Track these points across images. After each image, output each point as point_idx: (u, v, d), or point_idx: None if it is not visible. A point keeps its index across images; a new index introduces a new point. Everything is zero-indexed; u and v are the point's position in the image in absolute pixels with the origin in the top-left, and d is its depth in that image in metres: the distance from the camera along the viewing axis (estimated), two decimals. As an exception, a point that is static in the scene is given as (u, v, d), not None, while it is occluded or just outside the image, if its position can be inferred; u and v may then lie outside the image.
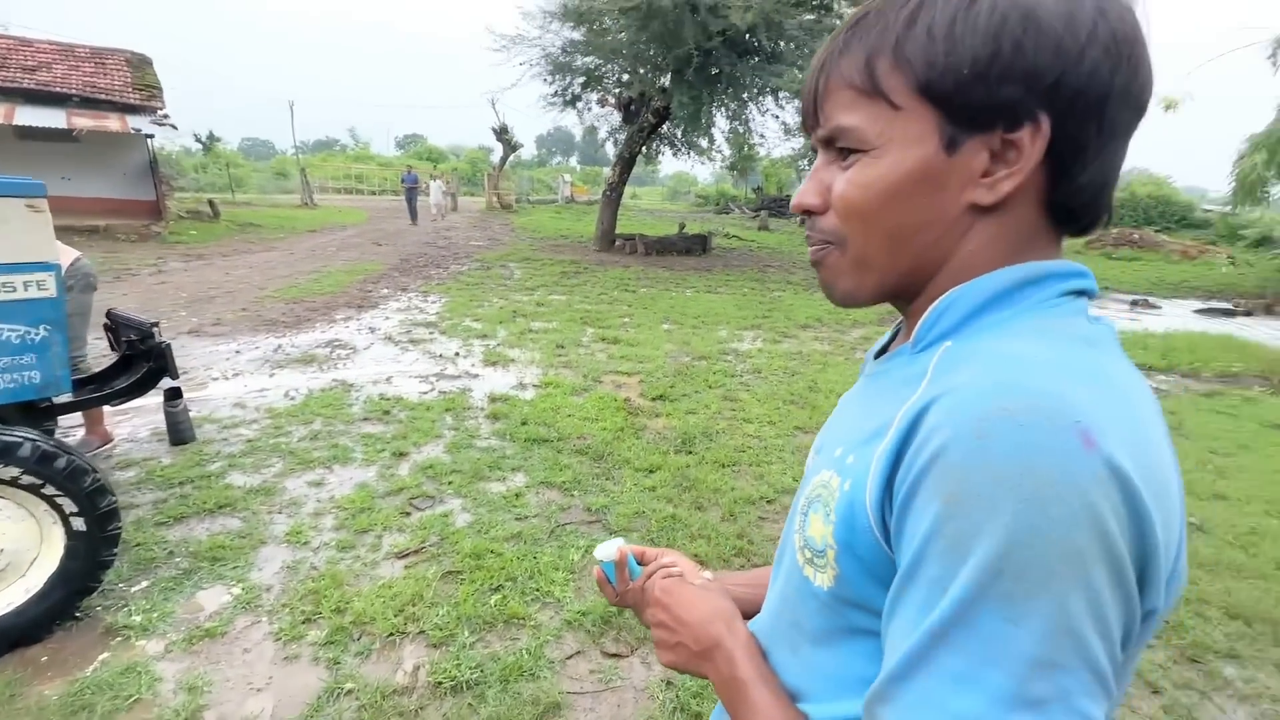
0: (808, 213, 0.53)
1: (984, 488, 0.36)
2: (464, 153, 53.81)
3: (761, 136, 15.15)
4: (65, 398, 2.41)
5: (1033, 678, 0.35)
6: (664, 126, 14.43)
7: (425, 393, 4.64)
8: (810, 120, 0.52)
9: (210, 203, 16.66)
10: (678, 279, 10.81)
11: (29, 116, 10.86)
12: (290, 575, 2.43)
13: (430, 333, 6.41)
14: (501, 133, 24.90)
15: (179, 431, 3.40)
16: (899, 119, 0.46)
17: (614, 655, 2.10)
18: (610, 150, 17.05)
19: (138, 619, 2.13)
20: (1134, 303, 10.99)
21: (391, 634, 2.12)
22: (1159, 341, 7.36)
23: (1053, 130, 0.43)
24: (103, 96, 12.37)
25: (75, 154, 12.68)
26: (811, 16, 11.91)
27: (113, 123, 11.69)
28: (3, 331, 2.08)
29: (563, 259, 12.54)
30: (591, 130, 17.69)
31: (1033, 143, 0.43)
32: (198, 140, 29.34)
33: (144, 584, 2.33)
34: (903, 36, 0.45)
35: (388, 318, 7.02)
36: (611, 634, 2.19)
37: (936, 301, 0.49)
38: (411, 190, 19.40)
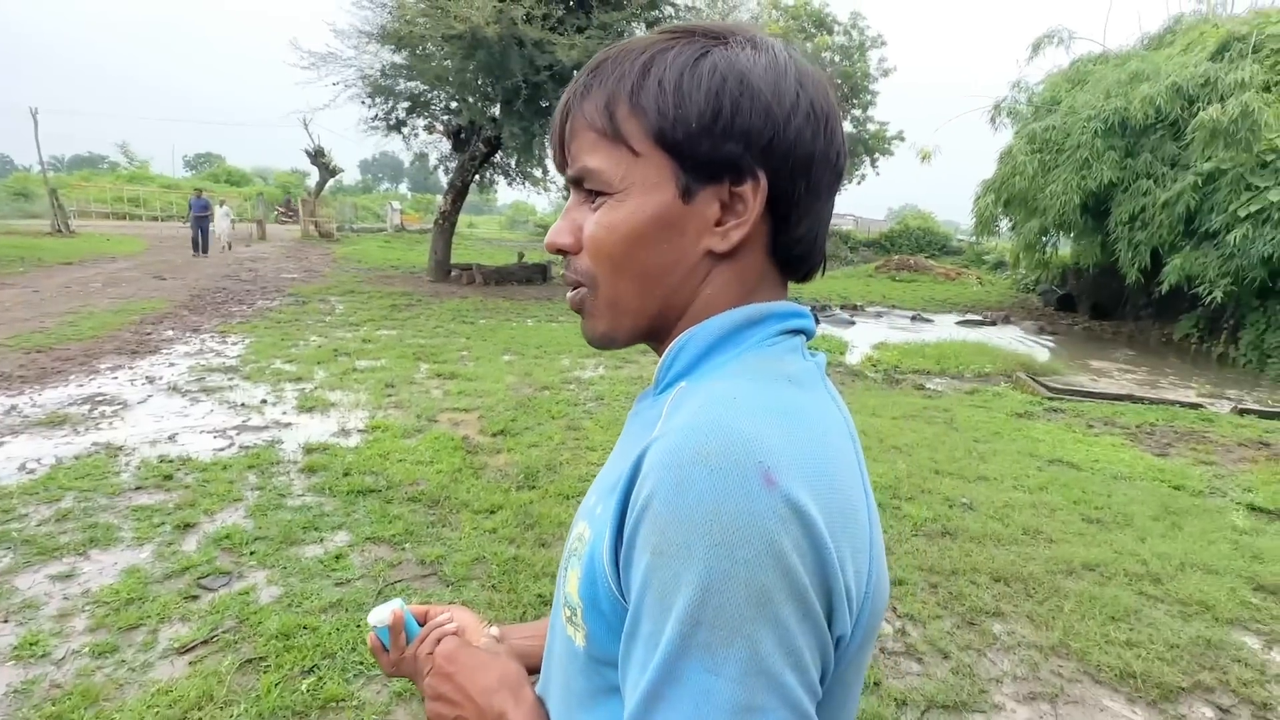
0: (562, 252, 0.52)
1: (681, 535, 0.37)
2: (273, 176, 48.64)
3: (594, 169, 15.62)
4: None
5: None
6: (497, 156, 14.29)
7: (222, 449, 4.00)
8: (559, 159, 0.52)
9: (-89, 229, 13.09)
10: (518, 309, 10.65)
11: None
12: (20, 702, 1.91)
13: (229, 379, 5.59)
14: (317, 155, 22.93)
15: None
16: (638, 164, 0.47)
17: (452, 722, 1.92)
18: (442, 177, 16.47)
19: None
20: (914, 318, 13.07)
21: (167, 752, 1.74)
22: (933, 350, 8.72)
23: (770, 186, 0.46)
24: None
25: None
26: (634, 59, 12.61)
27: None
28: None
29: (393, 290, 11.74)
30: (421, 157, 16.96)
31: (754, 196, 0.46)
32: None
33: None
34: (638, 85, 0.46)
35: (172, 364, 5.99)
36: (449, 698, 2.01)
37: (673, 343, 0.50)
38: (201, 218, 16.79)
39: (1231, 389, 7.98)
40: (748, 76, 0.45)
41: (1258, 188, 9.06)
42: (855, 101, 25.18)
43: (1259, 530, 3.56)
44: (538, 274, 14.88)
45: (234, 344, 6.96)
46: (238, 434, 4.29)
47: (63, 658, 2.10)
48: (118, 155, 51.59)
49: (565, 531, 3.11)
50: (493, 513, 3.31)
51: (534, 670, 0.60)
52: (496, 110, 12.71)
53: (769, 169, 0.46)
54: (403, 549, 2.92)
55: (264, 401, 5.01)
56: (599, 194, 0.49)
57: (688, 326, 0.50)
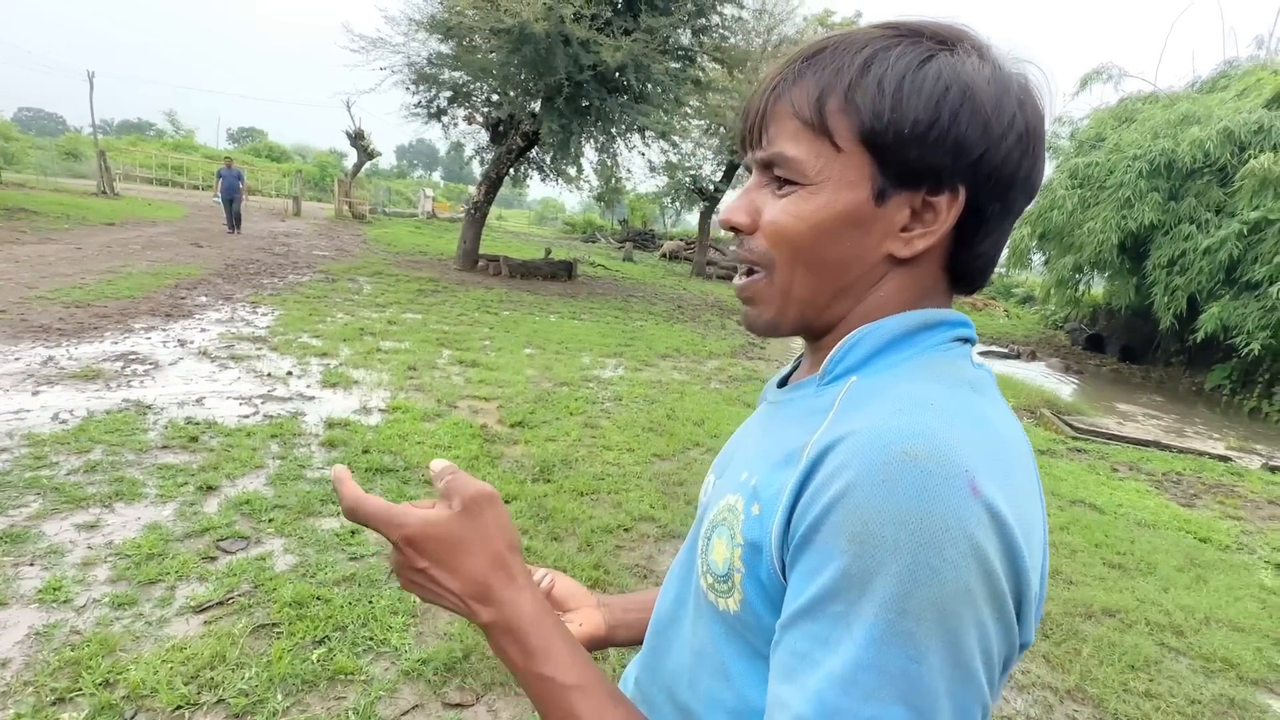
0: (735, 230, 0.53)
1: (888, 529, 0.38)
2: (312, 155, 49.51)
3: (628, 172, 15.71)
4: None
5: (935, 713, 0.37)
6: (533, 151, 14.40)
7: (247, 416, 4.07)
8: (752, 139, 0.52)
9: (-35, 179, 13.54)
10: (542, 303, 10.70)
11: None
12: (40, 644, 1.95)
13: (258, 349, 5.68)
14: (357, 138, 23.28)
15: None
16: (838, 160, 0.47)
17: (457, 705, 1.93)
18: (476, 168, 16.64)
19: None
20: (937, 345, 12.93)
21: (179, 707, 1.77)
22: (956, 379, 8.59)
23: (966, 201, 0.47)
24: None
25: None
26: (677, 65, 12.65)
27: None
28: None
29: (420, 276, 11.87)
30: (457, 146, 17.16)
31: (949, 209, 0.47)
32: (-47, 103, 23.90)
33: None
34: (855, 82, 0.46)
35: (204, 330, 6.11)
36: (455, 681, 2.01)
37: (845, 338, 0.51)
38: (232, 189, 15.26)
39: (1262, 444, 7.76)
40: (971, 88, 0.45)
41: (1306, 241, 8.82)
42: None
43: (1288, 591, 3.46)
44: (563, 270, 14.95)
45: (264, 315, 7.08)
46: (263, 403, 4.36)
47: (84, 605, 2.15)
48: (165, 123, 52.93)
49: (577, 526, 3.12)
50: (507, 502, 3.32)
51: (635, 642, 0.62)
52: (537, 106, 12.82)
53: (970, 184, 0.46)
54: (417, 530, 2.94)
55: (290, 373, 5.08)
56: (789, 182, 0.49)
57: (855, 324, 0.51)
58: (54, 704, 1.73)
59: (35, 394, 3.98)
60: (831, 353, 0.51)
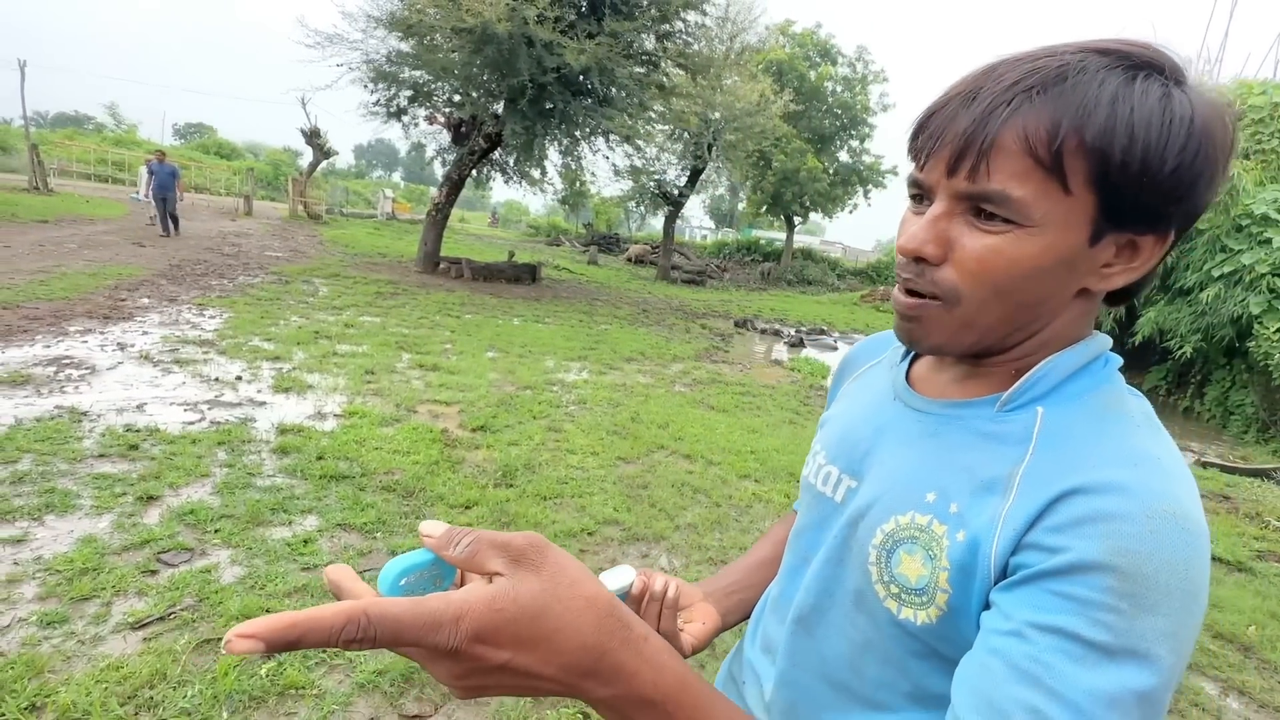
0: (920, 260, 0.50)
1: (1161, 574, 0.41)
2: (265, 152, 47.89)
3: (593, 175, 15.68)
4: None
5: None
6: (496, 152, 14.25)
7: (192, 423, 3.89)
8: (959, 167, 0.47)
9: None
10: (505, 306, 10.58)
11: None
12: (-43, 667, 1.81)
13: (205, 352, 5.45)
14: (312, 136, 22.63)
15: None
16: (1064, 203, 0.46)
17: (415, 717, 1.87)
18: (438, 169, 16.36)
19: None
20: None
21: (114, 729, 1.67)
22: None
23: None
24: None
25: None
26: (641, 70, 12.71)
27: None
28: None
29: (379, 278, 11.59)
30: (418, 147, 16.83)
31: (1155, 250, 0.48)
32: None
33: None
34: (1105, 125, 0.43)
35: (146, 333, 5.83)
36: (413, 692, 1.96)
37: (1033, 371, 0.52)
38: (165, 186, 13.27)
39: (1195, 441, 8.22)
40: (1211, 134, 0.44)
41: (1231, 250, 9.39)
42: (854, 133, 25.67)
43: (1218, 580, 3.65)
44: (527, 274, 14.81)
45: (212, 318, 6.80)
46: (209, 409, 4.18)
47: (7, 625, 2.01)
48: (105, 117, 50.43)
49: (540, 531, 3.08)
50: (468, 508, 3.26)
51: (739, 623, 0.68)
52: (500, 107, 12.70)
53: (1177, 227, 0.47)
54: (374, 538, 2.86)
55: (239, 378, 4.89)
56: (1001, 219, 0.46)
57: (1033, 351, 0.52)
58: (-28, 732, 1.62)
59: (-44, 401, 3.73)
60: (1019, 384, 0.52)
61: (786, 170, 23.10)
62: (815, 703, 0.60)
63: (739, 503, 3.89)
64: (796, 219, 26.62)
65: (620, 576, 0.61)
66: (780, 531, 0.84)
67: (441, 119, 14.50)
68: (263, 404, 4.42)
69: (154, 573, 2.39)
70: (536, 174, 14.90)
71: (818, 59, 25.10)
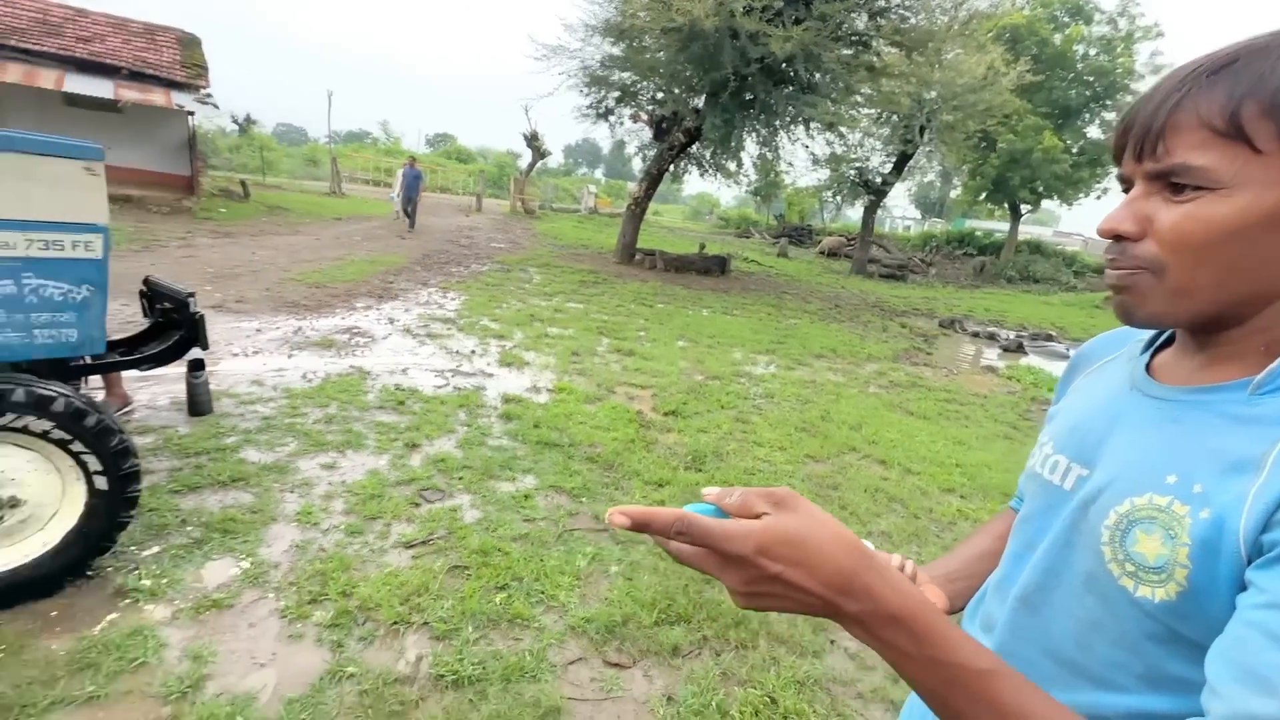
0: (1119, 238, 0.56)
1: None
2: (492, 156, 54.46)
3: (790, 165, 15.30)
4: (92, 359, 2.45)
5: None
6: (693, 146, 14.59)
7: (440, 387, 4.66)
8: (1141, 152, 0.54)
9: (242, 183, 16.91)
10: (695, 298, 10.85)
11: (78, 85, 11.12)
12: (299, 555, 2.44)
13: (448, 329, 6.46)
14: (532, 139, 25.22)
15: (198, 403, 3.44)
16: (1257, 162, 0.48)
17: (616, 665, 2.08)
18: (637, 165, 17.27)
19: (147, 583, 2.14)
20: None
21: (396, 622, 2.12)
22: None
23: None
24: (150, 71, 12.64)
25: (118, 124, 12.95)
26: (849, 51, 12.05)
27: (157, 97, 11.94)
28: (46, 287, 2.12)
29: (582, 268, 12.62)
30: (620, 144, 17.90)
31: None
32: (235, 122, 29.88)
33: (155, 549, 2.34)
34: (1278, 85, 0.47)
35: (407, 310, 7.08)
36: (614, 643, 2.18)
37: None
38: (410, 188, 15.27)
39: None
40: None
41: None
42: (1108, 103, 21.55)
43: None
44: (716, 266, 14.99)
45: (452, 300, 8.01)
46: (453, 376, 4.96)
47: (327, 529, 2.64)
48: (379, 132, 61.25)
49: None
50: (661, 486, 3.47)
51: (959, 607, 0.71)
52: (700, 102, 12.97)
53: None
54: (580, 501, 3.19)
55: (473, 352, 5.72)
56: (1190, 187, 0.51)
57: (1270, 321, 0.52)
58: (309, 603, 2.17)
59: (290, 356, 4.92)
60: (1274, 366, 0.52)
61: (1015, 151, 20.20)
62: (1039, 675, 0.60)
63: (940, 518, 3.59)
64: (1024, 207, 23.19)
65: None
66: (999, 526, 0.87)
67: (645, 116, 15.24)
68: (491, 375, 5.13)
69: (417, 505, 2.94)
70: (732, 166, 14.96)
71: (1066, 19, 21.45)
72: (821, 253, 25.17)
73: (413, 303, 7.53)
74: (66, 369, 2.34)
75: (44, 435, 1.94)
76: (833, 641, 2.35)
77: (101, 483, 2.05)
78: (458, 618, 2.16)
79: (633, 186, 17.63)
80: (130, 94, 11.58)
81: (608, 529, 2.95)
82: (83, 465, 2.01)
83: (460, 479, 3.24)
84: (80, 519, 2.04)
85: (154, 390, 3.87)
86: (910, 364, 7.87)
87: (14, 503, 1.93)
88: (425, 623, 2.14)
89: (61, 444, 1.97)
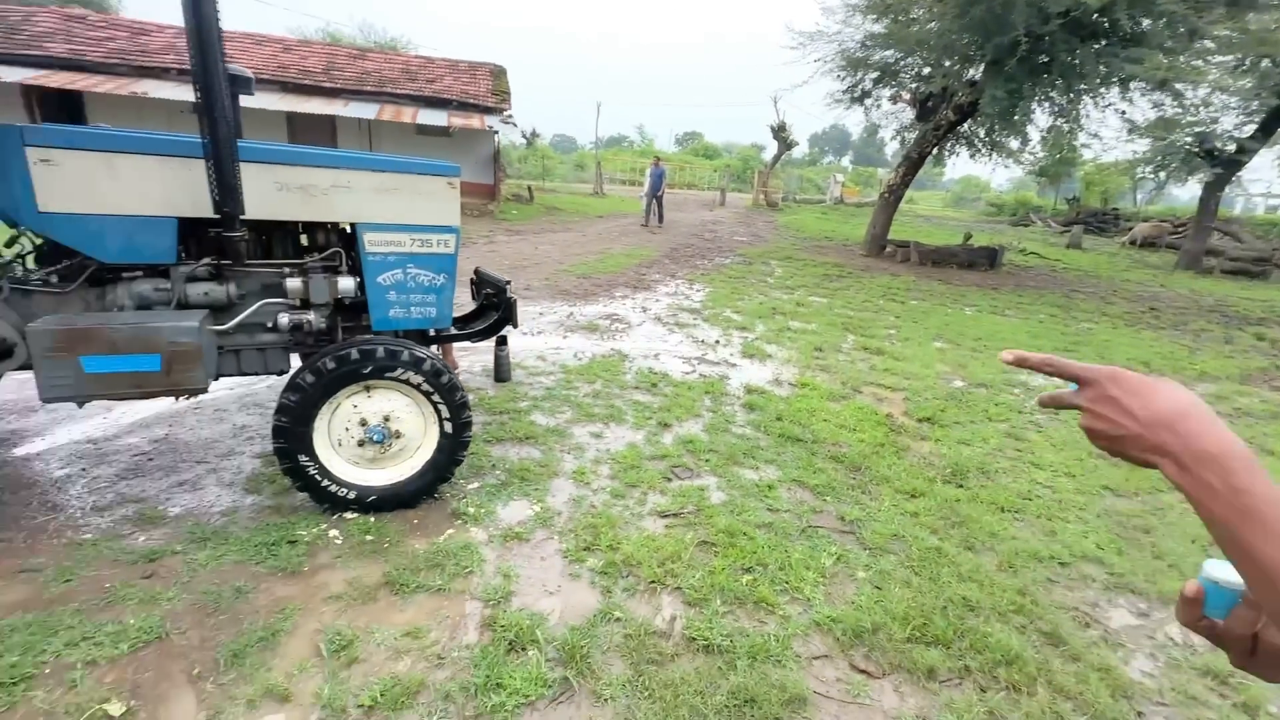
0: None
1: None
2: (736, 150, 55.21)
3: (1094, 136, 12.65)
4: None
5: None
6: (965, 124, 12.94)
7: (687, 373, 4.95)
8: None
9: (528, 189, 19.90)
10: (956, 294, 9.68)
11: (425, 117, 14.22)
12: (575, 507, 2.84)
13: (694, 319, 6.80)
14: (779, 130, 24.94)
15: (502, 371, 4.17)
16: None
17: (864, 672, 2.02)
18: (890, 151, 15.91)
19: (471, 510, 2.70)
20: None
21: (653, 581, 2.34)
22: None
23: None
24: (471, 100, 15.59)
25: (448, 145, 16.26)
26: (1201, -15, 9.44)
27: (475, 121, 14.66)
28: (420, 275, 2.78)
29: (825, 261, 12.15)
30: (873, 129, 16.67)
31: None
32: (524, 136, 35.20)
33: (475, 484, 2.95)
34: None
35: (658, 300, 7.62)
36: (862, 649, 2.11)
37: None
38: (655, 186, 15.95)
39: None
40: None
41: None
42: None
43: None
44: (984, 259, 13.13)
45: (697, 291, 8.39)
46: (698, 364, 5.22)
47: (596, 489, 3.02)
48: (635, 135, 66.42)
49: (996, 543, 2.82)
50: (914, 496, 3.22)
51: None
52: (977, 73, 11.42)
53: None
54: (824, 499, 3.13)
55: (717, 342, 5.94)
56: None
57: None
58: (584, 549, 2.52)
59: (564, 337, 5.68)
60: None
61: None
62: None
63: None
64: None
65: (1235, 572, 0.52)
66: None
67: (907, 96, 13.98)
68: (734, 365, 5.27)
69: (669, 480, 3.19)
70: (1014, 143, 12.92)
71: None
72: (1131, 242, 20.38)
73: (662, 293, 8.08)
74: (425, 337, 3.06)
75: (416, 386, 2.57)
76: (1140, 715, 1.95)
77: (448, 427, 2.64)
78: (707, 589, 2.31)
79: (885, 173, 16.30)
80: (457, 121, 14.41)
81: (854, 531, 2.85)
82: (438, 411, 2.62)
83: (707, 461, 3.42)
84: (434, 452, 2.66)
85: (470, 359, 4.82)
86: (1270, 388, 5.98)
87: (397, 434, 2.60)
88: (678, 587, 2.33)
89: (426, 394, 2.59)
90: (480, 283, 3.50)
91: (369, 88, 15.06)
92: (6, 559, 2.21)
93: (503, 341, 4.00)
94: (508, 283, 3.26)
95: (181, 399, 2.68)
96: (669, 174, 18.47)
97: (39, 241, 2.45)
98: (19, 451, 3.00)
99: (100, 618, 1.94)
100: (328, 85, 14.73)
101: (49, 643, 1.82)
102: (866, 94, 14.14)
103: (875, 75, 13.66)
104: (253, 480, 2.86)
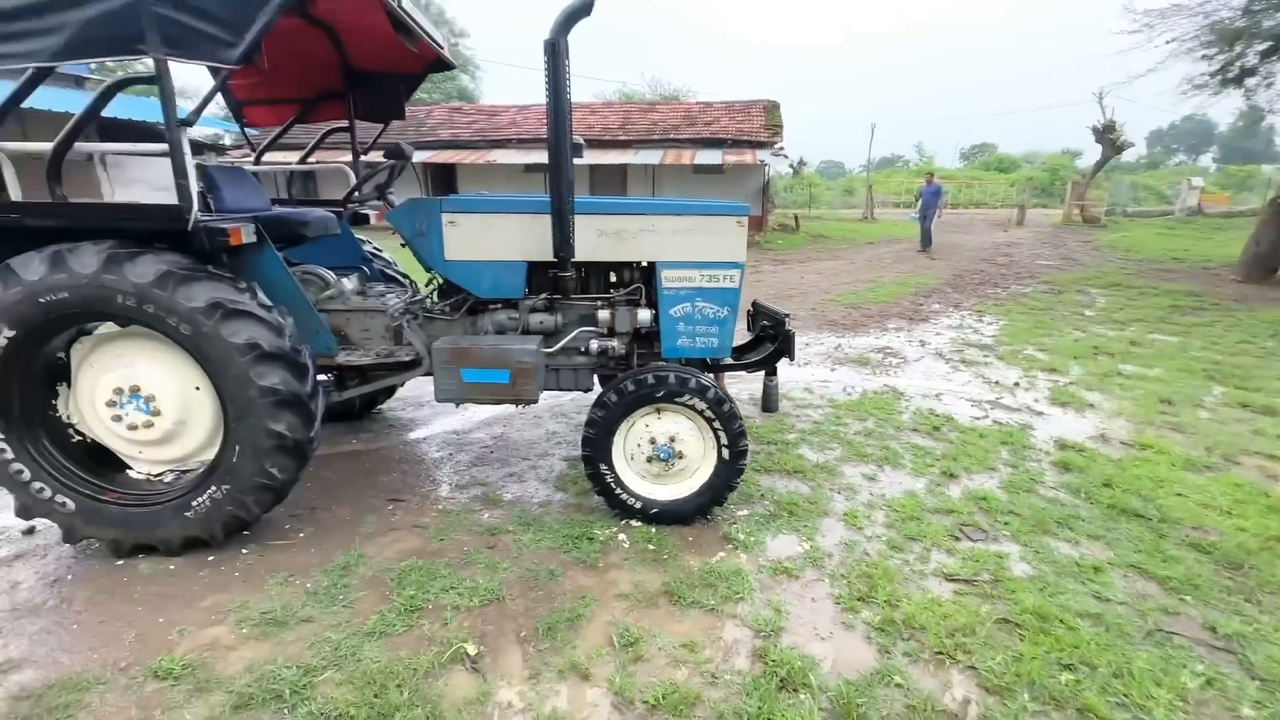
0: None
1: None
2: (1040, 159, 47.21)
3: None
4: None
5: None
6: None
7: (978, 418, 4.35)
8: None
9: (795, 217, 19.89)
10: None
11: (702, 158, 15.33)
12: (847, 551, 2.71)
13: (984, 355, 5.97)
14: (1106, 131, 20.64)
15: (770, 402, 4.19)
16: None
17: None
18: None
19: (741, 536, 2.77)
20: None
21: (940, 652, 2.10)
22: None
23: None
24: (745, 138, 16.31)
25: (721, 181, 17.24)
26: None
27: (747, 157, 15.29)
28: (708, 308, 2.99)
29: (1174, 288, 9.57)
30: (1254, 116, 12.70)
31: None
32: (790, 166, 35.40)
33: (745, 511, 3.02)
34: None
35: (938, 334, 6.89)
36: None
37: None
38: (927, 205, 14.76)
39: None
40: None
41: None
42: None
43: None
44: None
45: (989, 324, 7.35)
46: (991, 408, 4.55)
47: (870, 536, 2.84)
48: (912, 154, 61.60)
49: None
50: (1343, 621, 2.31)
51: None
52: None
53: None
54: (1182, 599, 2.44)
55: (1016, 384, 5.10)
56: None
57: None
58: (858, 599, 2.38)
59: (832, 370, 5.50)
60: None
61: None
62: None
63: None
64: None
65: None
66: None
67: (1322, 67, 10.34)
68: (1040, 414, 4.46)
69: (957, 539, 2.83)
70: None
71: None
72: None
73: (944, 326, 7.28)
74: (705, 366, 3.26)
75: (700, 412, 2.75)
76: None
77: (725, 453, 2.77)
78: (1011, 678, 1.98)
79: (1276, 171, 12.18)
80: (731, 159, 15.19)
81: (1233, 651, 2.15)
82: (717, 437, 2.77)
83: (1006, 524, 2.95)
84: (710, 476, 2.81)
85: (737, 386, 4.97)
86: None
87: (680, 455, 2.82)
88: (971, 666, 2.04)
89: (708, 420, 2.76)
90: (758, 314, 3.60)
91: (655, 136, 16.81)
92: (407, 515, 2.98)
93: (773, 372, 4.03)
94: (787, 315, 3.30)
95: (518, 407, 3.31)
96: (948, 192, 16.67)
97: (440, 282, 3.28)
98: (412, 435, 4.03)
99: (461, 574, 2.49)
100: (622, 138, 16.88)
101: (431, 585, 2.40)
102: (1249, 71, 10.87)
103: (1266, 46, 10.42)
104: (560, 479, 3.37)
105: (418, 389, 4.67)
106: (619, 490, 2.84)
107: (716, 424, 2.75)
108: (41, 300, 2.31)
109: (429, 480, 3.37)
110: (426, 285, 3.33)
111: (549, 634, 2.16)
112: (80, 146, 2.51)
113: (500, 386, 2.78)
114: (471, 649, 2.07)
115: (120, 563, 2.58)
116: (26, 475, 2.51)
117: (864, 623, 2.26)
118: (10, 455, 2.49)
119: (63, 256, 2.31)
